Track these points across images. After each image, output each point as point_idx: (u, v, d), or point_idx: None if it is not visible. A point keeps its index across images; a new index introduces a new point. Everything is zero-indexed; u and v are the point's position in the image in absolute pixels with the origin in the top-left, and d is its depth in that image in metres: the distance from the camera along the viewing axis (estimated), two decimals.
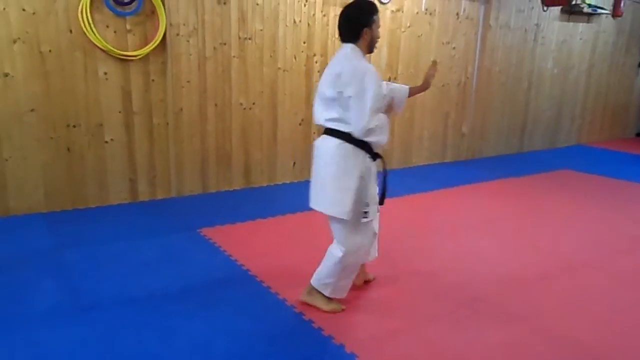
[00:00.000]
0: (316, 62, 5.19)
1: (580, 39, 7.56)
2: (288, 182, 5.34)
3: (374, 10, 2.60)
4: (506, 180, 5.82)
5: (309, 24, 5.06)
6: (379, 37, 2.67)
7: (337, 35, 2.73)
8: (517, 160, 6.95)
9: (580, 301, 3.04)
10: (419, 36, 5.87)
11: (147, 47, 4.21)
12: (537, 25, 6.97)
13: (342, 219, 2.57)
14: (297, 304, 2.81)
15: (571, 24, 7.35)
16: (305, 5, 4.99)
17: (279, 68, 5.02)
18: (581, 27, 7.50)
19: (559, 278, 3.35)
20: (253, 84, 4.90)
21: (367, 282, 3.11)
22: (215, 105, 4.73)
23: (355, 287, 2.97)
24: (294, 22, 4.97)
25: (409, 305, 2.91)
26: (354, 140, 2.52)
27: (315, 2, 5.04)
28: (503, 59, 6.79)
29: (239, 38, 4.72)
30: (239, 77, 4.80)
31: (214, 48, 4.61)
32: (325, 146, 2.58)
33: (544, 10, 6.83)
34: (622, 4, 7.54)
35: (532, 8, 6.81)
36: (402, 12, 5.65)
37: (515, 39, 6.81)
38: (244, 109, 4.91)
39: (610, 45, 8.03)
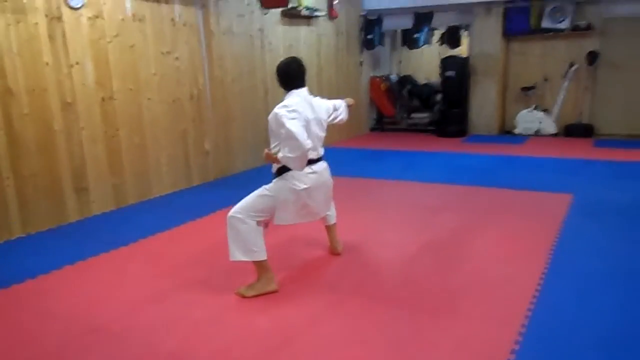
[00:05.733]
0: None
1: (304, 42, 7.60)
2: None
3: None
4: None
5: None
6: None
7: None
8: (268, 173, 6.52)
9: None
10: (131, 46, 4.98)
11: None
12: (261, 30, 6.71)
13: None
14: None
15: (294, 27, 7.32)
16: None
17: None
18: (303, 30, 7.54)
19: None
20: None
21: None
22: None
23: None
24: None
25: None
26: None
27: None
28: (233, 68, 6.33)
29: None
30: None
31: None
32: (326, 169, 3.24)
33: (264, 14, 6.60)
34: (334, 6, 7.82)
35: (253, 12, 6.51)
36: (103, 19, 4.69)
37: (241, 45, 6.42)
38: None
39: (332, 48, 8.31)
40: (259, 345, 2.49)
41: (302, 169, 3.00)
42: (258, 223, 3.03)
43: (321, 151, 3.19)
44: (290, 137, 2.85)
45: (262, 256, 3.01)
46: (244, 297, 3.01)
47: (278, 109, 2.94)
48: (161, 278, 3.33)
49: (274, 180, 3.11)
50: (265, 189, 3.09)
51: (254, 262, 3.03)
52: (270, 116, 2.97)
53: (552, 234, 3.89)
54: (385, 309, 2.84)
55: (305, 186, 3.03)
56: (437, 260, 3.49)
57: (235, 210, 3.02)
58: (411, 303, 2.89)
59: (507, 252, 3.59)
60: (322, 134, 3.19)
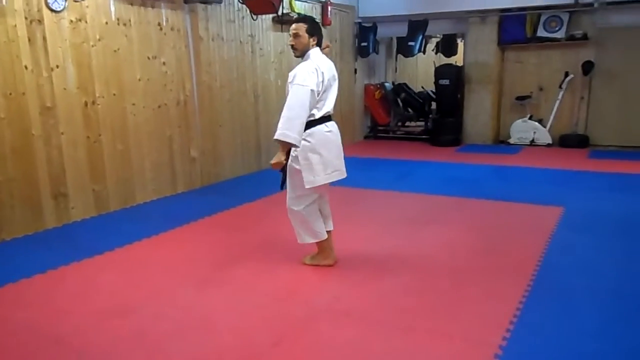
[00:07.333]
0: None
1: None
2: None
3: None
4: (244, 206, 5.20)
5: None
6: None
7: None
8: (256, 181, 6.46)
9: None
10: (115, 51, 4.89)
11: None
12: (252, 36, 6.63)
13: None
14: None
15: (285, 33, 7.23)
16: None
17: None
18: None
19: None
20: None
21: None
22: None
23: None
24: None
25: None
26: None
27: None
28: (223, 73, 6.25)
29: None
30: None
31: None
32: (337, 129, 3.36)
33: (254, 19, 6.52)
34: (329, 13, 7.76)
35: (243, 18, 6.43)
36: (86, 22, 4.61)
37: (231, 51, 6.34)
38: None
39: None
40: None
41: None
42: (314, 206, 3.32)
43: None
44: (294, 95, 3.16)
45: (323, 236, 3.40)
46: (305, 264, 3.49)
47: (303, 73, 3.16)
48: (131, 289, 3.22)
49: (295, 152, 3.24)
50: (293, 165, 3.23)
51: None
52: (299, 69, 3.19)
53: (539, 249, 3.78)
54: (355, 327, 2.72)
55: (317, 139, 3.20)
56: (414, 276, 3.37)
57: (288, 200, 3.35)
58: (383, 321, 2.77)
59: (491, 267, 3.48)
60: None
